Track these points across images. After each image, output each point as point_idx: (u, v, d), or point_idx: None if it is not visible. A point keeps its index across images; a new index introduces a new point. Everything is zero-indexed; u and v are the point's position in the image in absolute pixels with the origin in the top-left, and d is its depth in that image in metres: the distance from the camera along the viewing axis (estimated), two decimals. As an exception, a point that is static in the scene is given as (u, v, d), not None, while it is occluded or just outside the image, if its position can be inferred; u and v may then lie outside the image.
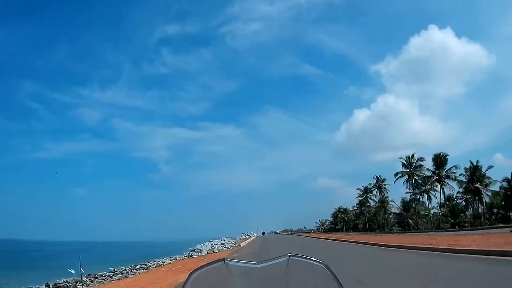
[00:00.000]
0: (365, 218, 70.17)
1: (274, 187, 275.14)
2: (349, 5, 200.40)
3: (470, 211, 54.03)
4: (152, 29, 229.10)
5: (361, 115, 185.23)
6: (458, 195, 55.82)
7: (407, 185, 58.91)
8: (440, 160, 53.78)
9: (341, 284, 1.24)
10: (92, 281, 20.48)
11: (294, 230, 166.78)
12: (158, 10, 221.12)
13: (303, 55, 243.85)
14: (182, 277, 12.32)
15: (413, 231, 51.41)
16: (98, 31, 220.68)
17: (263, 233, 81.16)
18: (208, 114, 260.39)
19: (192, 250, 34.80)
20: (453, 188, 54.25)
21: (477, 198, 51.40)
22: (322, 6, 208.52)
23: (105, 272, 24.73)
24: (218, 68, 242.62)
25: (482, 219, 49.30)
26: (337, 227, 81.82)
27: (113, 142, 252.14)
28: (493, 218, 49.32)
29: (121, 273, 23.97)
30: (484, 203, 51.07)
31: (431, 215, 60.38)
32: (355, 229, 73.72)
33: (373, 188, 71.40)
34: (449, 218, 55.36)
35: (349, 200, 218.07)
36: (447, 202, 56.64)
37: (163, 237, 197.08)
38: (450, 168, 53.15)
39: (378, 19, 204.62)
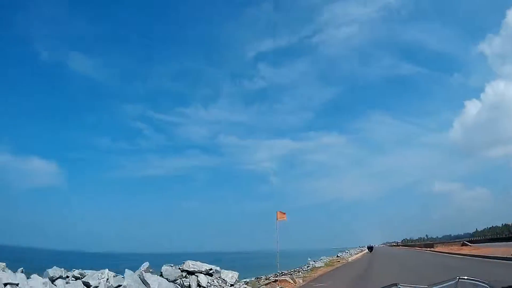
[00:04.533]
0: None
1: (384, 194, 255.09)
2: None
3: None
4: (246, 45, 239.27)
5: (472, 108, 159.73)
6: None
7: None
8: None
9: None
10: None
11: (408, 240, 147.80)
12: (247, 27, 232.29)
13: (400, 55, 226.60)
14: None
15: None
16: (194, 50, 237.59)
17: (370, 249, 65.08)
18: (310, 124, 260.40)
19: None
20: None
21: None
22: (411, 3, 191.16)
23: None
24: (316, 77, 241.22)
25: None
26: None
27: (220, 156, 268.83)
28: None
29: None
30: None
31: None
32: None
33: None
34: None
35: (467, 205, 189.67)
36: None
37: (268, 248, 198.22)
38: None
39: (469, 4, 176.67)
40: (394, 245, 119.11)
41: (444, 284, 1.42)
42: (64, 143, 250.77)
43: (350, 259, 39.79)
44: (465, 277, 1.42)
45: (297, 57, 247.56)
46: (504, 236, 52.36)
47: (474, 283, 1.36)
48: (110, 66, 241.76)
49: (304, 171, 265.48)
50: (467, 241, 44.61)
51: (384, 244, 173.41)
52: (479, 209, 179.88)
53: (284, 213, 18.09)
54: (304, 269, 28.21)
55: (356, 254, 56.71)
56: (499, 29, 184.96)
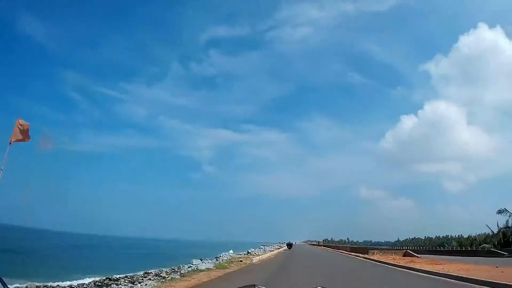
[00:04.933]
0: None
1: (317, 194, 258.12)
2: (396, 11, 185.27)
3: None
4: (202, 29, 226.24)
5: (408, 122, 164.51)
6: None
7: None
8: None
9: None
10: None
11: (329, 241, 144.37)
12: (209, 10, 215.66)
13: (349, 62, 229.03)
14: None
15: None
16: (150, 27, 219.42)
17: (289, 246, 55.55)
18: (254, 117, 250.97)
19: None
20: None
21: None
22: (369, 14, 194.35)
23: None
24: (266, 72, 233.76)
25: None
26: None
27: (158, 139, 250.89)
28: None
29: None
30: None
31: None
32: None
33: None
34: None
35: (391, 213, 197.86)
36: None
37: (195, 237, 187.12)
38: None
39: (424, 24, 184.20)
40: (315, 244, 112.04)
41: None
42: None
43: (255, 259, 26.36)
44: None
45: (251, 49, 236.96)
46: (444, 249, 43.92)
47: None
48: (59, 30, 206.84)
49: (241, 164, 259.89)
50: (411, 250, 34.23)
51: (305, 242, 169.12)
52: (401, 219, 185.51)
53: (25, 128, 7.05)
54: (182, 271, 17.00)
55: (271, 251, 44.64)
56: (448, 52, 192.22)
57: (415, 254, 29.84)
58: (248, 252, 38.09)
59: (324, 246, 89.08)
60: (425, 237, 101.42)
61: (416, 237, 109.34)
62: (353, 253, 40.35)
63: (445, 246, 72.51)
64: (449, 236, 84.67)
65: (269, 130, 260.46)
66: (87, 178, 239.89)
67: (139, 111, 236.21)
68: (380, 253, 33.30)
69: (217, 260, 26.25)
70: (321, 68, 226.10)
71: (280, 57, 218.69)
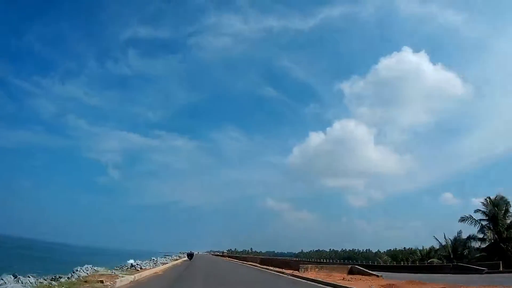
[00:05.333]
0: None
1: (222, 204, 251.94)
2: (319, 30, 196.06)
3: None
4: (124, 26, 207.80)
5: (316, 138, 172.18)
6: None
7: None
8: None
9: None
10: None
11: (233, 251, 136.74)
12: (134, 7, 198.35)
13: (267, 77, 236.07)
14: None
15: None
16: (72, 17, 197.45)
17: (190, 256, 48.20)
18: (165, 122, 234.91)
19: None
20: None
21: None
22: (292, 31, 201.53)
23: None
24: (183, 78, 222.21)
25: None
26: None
27: (65, 138, 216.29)
28: None
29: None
30: None
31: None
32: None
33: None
34: None
35: (295, 225, 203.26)
36: None
37: (96, 244, 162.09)
38: None
39: (347, 44, 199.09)
40: (219, 255, 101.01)
41: None
42: None
43: (124, 281, 14.15)
44: None
45: (170, 53, 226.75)
46: (399, 265, 37.20)
47: None
48: None
49: (147, 170, 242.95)
50: (366, 266, 25.60)
51: (208, 252, 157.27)
52: (304, 231, 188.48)
53: None
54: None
55: (163, 263, 32.23)
56: (366, 73, 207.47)
57: (370, 272, 21.18)
58: (131, 265, 25.72)
59: (229, 256, 78.43)
60: (330, 249, 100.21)
61: (321, 249, 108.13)
62: (270, 267, 30.34)
63: (354, 259, 69.26)
64: (355, 250, 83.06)
65: (179, 137, 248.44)
66: None
67: (48, 107, 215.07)
68: (316, 269, 23.92)
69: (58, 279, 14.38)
70: (238, 79, 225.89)
71: (199, 64, 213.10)
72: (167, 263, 34.19)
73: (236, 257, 66.91)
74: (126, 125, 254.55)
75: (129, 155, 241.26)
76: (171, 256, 62.26)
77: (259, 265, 36.21)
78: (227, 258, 71.10)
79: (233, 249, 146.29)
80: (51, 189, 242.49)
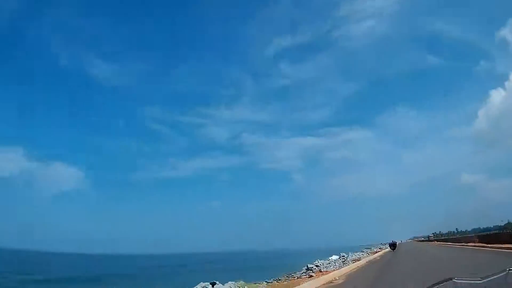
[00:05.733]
0: None
1: (413, 189, 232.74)
2: None
3: None
4: (267, 43, 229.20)
5: (497, 96, 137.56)
6: None
7: None
8: None
9: None
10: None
11: (438, 234, 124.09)
12: (270, 24, 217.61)
13: (422, 47, 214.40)
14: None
15: None
16: (216, 51, 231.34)
17: (392, 246, 44.69)
18: (333, 119, 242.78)
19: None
20: None
21: None
22: None
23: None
24: (336, 72, 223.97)
25: None
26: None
27: (243, 156, 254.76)
28: None
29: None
30: None
31: None
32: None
33: None
34: None
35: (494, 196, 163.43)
36: None
37: (295, 246, 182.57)
38: None
39: None
40: (425, 240, 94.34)
41: (495, 276, 1.47)
42: (86, 148, 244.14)
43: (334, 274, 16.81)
44: (454, 277, 1.65)
45: (317, 52, 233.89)
46: None
47: None
48: (129, 71, 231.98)
49: (327, 168, 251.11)
50: None
51: (412, 239, 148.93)
52: (505, 201, 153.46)
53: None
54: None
55: (356, 261, 27.35)
56: None
57: None
58: (307, 269, 22.59)
59: (437, 241, 72.29)
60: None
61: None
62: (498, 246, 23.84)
63: None
64: None
65: (350, 129, 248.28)
66: (176, 201, 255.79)
67: (220, 133, 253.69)
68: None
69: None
70: (393, 57, 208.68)
71: (348, 54, 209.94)
72: (359, 259, 29.76)
73: (448, 240, 60.31)
74: (297, 131, 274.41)
75: (307, 158, 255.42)
76: (371, 248, 58.54)
77: (482, 246, 28.20)
78: (436, 243, 65.11)
79: (437, 232, 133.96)
80: (237, 204, 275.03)
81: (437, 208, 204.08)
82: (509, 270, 1.47)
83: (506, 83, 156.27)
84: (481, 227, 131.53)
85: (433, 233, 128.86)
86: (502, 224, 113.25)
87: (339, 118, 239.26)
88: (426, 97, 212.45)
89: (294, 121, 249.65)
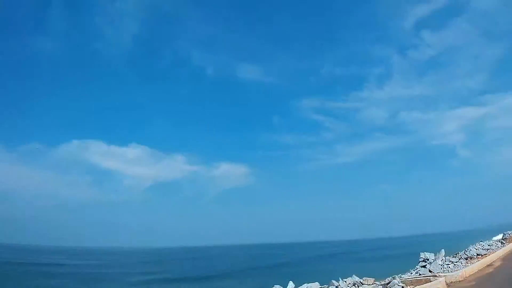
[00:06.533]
0: None
1: None
2: None
3: None
4: (405, 14, 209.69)
5: None
6: None
7: None
8: None
9: None
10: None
11: None
12: None
13: None
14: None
15: None
16: (354, 33, 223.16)
17: None
18: (489, 85, 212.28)
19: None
20: None
21: None
22: None
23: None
24: (482, 33, 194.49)
25: None
26: None
27: (405, 135, 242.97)
28: None
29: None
30: None
31: None
32: None
33: None
34: None
35: None
36: None
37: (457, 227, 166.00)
38: None
39: None
40: None
41: None
42: (250, 146, 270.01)
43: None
44: None
45: (454, 17, 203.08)
46: None
47: None
48: (276, 70, 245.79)
49: (491, 139, 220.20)
50: None
51: None
52: None
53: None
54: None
55: (488, 254, 20.71)
56: None
57: None
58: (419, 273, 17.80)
59: None
60: None
61: None
62: None
63: None
64: None
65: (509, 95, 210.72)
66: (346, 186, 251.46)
67: (378, 114, 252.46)
68: None
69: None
70: None
71: (485, 15, 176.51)
72: (486, 254, 20.76)
73: None
74: (457, 101, 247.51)
75: (471, 130, 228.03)
76: None
77: None
78: None
79: None
80: (408, 185, 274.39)
81: None
82: None
83: None
84: None
85: None
86: None
87: (495, 83, 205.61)
88: None
89: (450, 91, 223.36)
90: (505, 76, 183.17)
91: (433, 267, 15.74)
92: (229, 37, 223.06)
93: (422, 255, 18.09)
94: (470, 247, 22.41)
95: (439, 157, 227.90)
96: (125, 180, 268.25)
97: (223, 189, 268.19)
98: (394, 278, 13.50)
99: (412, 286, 12.33)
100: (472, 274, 14.06)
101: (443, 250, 19.20)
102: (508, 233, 32.64)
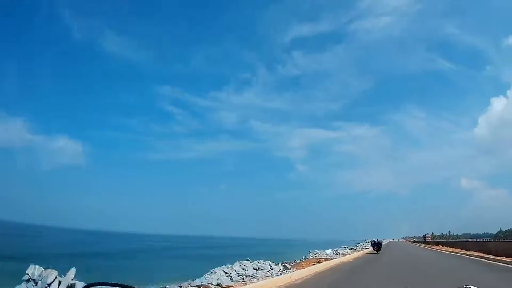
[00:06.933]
0: None
1: (413, 190, 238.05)
2: None
3: None
4: (285, 30, 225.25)
5: (498, 104, 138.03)
6: None
7: None
8: None
9: None
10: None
11: (436, 236, 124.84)
12: (290, 10, 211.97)
13: (436, 49, 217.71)
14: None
15: None
16: (232, 35, 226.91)
17: (376, 246, 33.16)
18: (344, 113, 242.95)
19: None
20: None
21: None
22: None
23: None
24: (352, 66, 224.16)
25: None
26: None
27: (252, 142, 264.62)
28: None
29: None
30: None
31: None
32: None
33: None
34: None
35: (489, 203, 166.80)
36: None
37: (291, 235, 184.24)
38: None
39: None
40: (420, 242, 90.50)
41: None
42: (93, 123, 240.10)
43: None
44: (472, 286, 1.43)
45: (334, 44, 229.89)
46: None
47: None
48: (147, 47, 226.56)
49: (331, 161, 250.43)
50: None
51: (404, 239, 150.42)
52: (498, 209, 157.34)
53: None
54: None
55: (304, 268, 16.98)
56: None
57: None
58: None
59: (437, 244, 53.20)
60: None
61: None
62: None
63: None
64: None
65: (360, 125, 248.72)
66: (190, 182, 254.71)
67: (230, 117, 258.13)
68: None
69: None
70: (408, 56, 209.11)
71: (365, 49, 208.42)
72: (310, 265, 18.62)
73: (448, 244, 44.54)
74: (307, 122, 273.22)
75: (314, 150, 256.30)
76: (356, 245, 52.35)
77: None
78: (439, 248, 44.30)
79: (429, 233, 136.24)
80: (244, 188, 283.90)
81: (433, 210, 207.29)
82: (466, 286, 1.41)
83: (508, 92, 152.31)
84: (471, 233, 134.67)
85: (424, 235, 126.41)
86: (493, 232, 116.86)
87: (350, 113, 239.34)
88: (434, 99, 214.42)
89: (305, 112, 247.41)
90: (361, 108, 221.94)
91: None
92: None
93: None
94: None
95: (280, 168, 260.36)
96: None
97: (56, 166, 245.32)
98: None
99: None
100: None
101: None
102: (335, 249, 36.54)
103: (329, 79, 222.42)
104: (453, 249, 35.48)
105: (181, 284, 13.28)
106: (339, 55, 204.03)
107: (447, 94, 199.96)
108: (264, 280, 10.71)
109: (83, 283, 9.13)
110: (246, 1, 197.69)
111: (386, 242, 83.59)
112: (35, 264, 9.77)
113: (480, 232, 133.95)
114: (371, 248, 35.00)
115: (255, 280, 11.67)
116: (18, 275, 10.29)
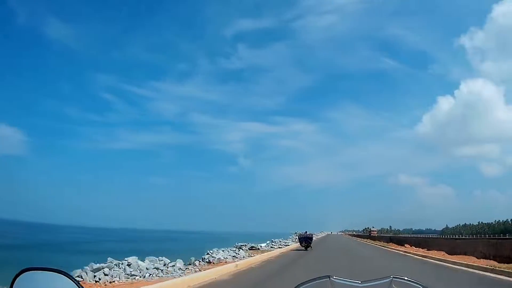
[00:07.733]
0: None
1: (351, 184, 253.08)
2: None
3: None
4: (229, 23, 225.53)
5: (444, 104, 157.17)
6: None
7: None
8: None
9: None
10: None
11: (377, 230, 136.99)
12: (234, 3, 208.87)
13: (380, 49, 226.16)
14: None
15: None
16: (174, 24, 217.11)
17: (304, 240, 27.40)
18: (283, 108, 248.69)
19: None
20: None
21: None
22: None
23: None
24: (293, 63, 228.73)
25: None
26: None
27: (190, 134, 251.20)
28: None
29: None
30: None
31: None
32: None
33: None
34: None
35: (431, 200, 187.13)
36: None
37: (231, 229, 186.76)
38: None
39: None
40: (364, 236, 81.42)
41: (378, 282, 1.38)
42: (32, 110, 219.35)
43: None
44: (399, 276, 1.40)
45: (277, 40, 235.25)
46: None
47: (408, 283, 1.36)
48: (87, 34, 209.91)
49: (272, 156, 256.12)
50: None
51: (343, 232, 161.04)
52: (440, 206, 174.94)
53: None
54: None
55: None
56: (483, 23, 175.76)
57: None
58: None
59: (371, 238, 61.04)
60: (478, 222, 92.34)
61: (467, 223, 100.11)
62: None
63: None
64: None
65: (299, 121, 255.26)
66: (123, 174, 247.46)
67: (170, 108, 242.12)
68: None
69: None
70: (350, 55, 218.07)
71: (307, 46, 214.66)
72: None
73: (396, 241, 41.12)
74: (246, 116, 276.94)
75: (253, 144, 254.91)
76: (281, 240, 43.93)
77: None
78: (368, 240, 57.58)
79: (375, 227, 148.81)
80: (180, 182, 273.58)
81: (373, 205, 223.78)
82: (393, 277, 1.37)
83: (456, 92, 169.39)
84: (413, 229, 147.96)
85: (364, 228, 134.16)
86: (437, 229, 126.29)
87: (289, 108, 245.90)
88: (375, 97, 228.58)
89: (245, 106, 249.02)
90: (301, 104, 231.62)
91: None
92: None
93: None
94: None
95: (219, 162, 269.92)
96: None
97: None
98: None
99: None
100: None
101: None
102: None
103: (270, 74, 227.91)
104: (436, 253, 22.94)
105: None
106: (281, 51, 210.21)
107: (389, 92, 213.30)
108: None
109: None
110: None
111: (323, 235, 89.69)
112: None
113: (423, 228, 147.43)
114: (298, 243, 29.04)
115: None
116: None
